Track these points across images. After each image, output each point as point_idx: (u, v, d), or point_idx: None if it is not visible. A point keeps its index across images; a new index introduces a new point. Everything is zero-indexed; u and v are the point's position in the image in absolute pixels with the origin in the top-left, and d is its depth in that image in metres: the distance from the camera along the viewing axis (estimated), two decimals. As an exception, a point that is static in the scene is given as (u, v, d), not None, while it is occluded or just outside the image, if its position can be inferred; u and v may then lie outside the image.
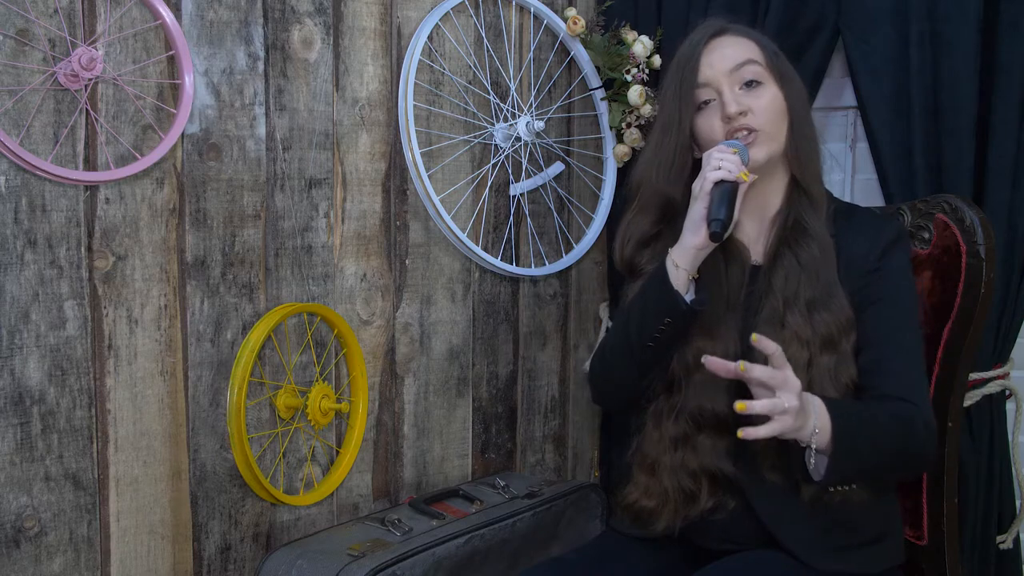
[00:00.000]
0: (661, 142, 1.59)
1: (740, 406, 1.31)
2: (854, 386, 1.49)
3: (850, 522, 1.51)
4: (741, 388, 1.51)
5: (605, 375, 1.65)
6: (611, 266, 2.26)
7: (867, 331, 1.50)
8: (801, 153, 1.55)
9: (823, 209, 1.55)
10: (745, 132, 1.52)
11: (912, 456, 1.46)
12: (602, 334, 2.24)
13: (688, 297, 1.50)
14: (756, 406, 1.30)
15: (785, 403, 1.31)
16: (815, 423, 1.37)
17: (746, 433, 1.31)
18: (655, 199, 1.59)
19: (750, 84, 1.53)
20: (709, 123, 1.55)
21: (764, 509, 1.51)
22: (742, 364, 1.32)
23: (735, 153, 1.47)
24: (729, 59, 1.53)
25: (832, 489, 1.45)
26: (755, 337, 1.34)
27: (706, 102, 1.55)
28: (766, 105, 1.52)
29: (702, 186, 1.47)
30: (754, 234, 1.59)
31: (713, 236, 1.45)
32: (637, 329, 1.54)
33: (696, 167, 1.55)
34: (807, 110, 1.58)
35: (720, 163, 1.46)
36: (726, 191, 1.45)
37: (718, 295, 1.54)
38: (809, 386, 1.45)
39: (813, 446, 1.38)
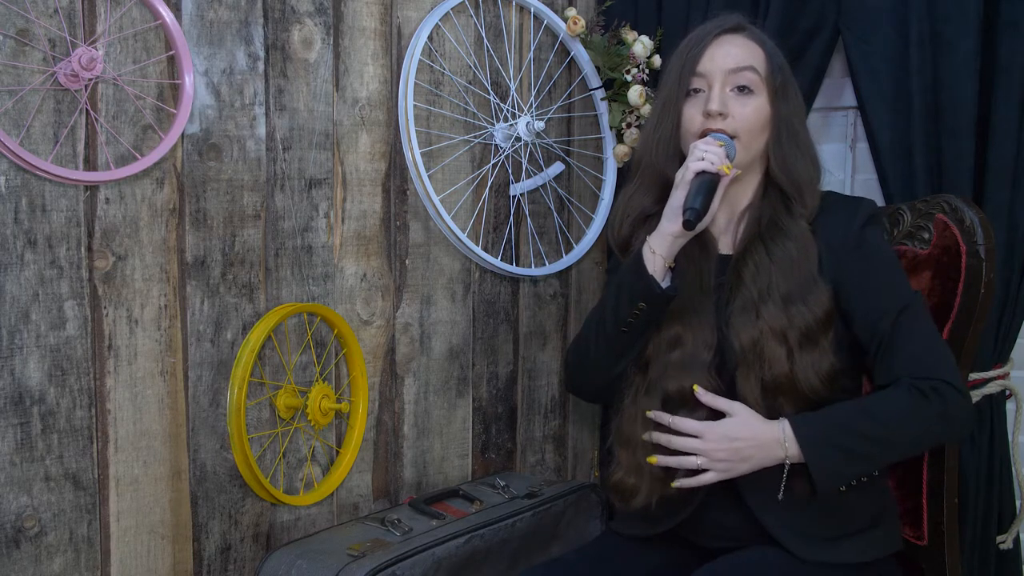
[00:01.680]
0: (660, 121, 1.62)
1: (651, 460, 1.52)
2: (831, 378, 1.51)
3: (841, 512, 1.52)
4: (721, 368, 1.53)
5: (579, 360, 1.68)
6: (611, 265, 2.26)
7: (868, 299, 1.52)
8: (791, 163, 1.57)
9: (806, 213, 1.56)
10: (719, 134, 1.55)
11: (935, 428, 1.49)
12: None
13: (664, 284, 1.52)
14: (664, 461, 1.52)
15: (696, 461, 1.48)
16: (782, 449, 1.46)
17: (679, 483, 1.50)
18: (654, 177, 1.62)
19: (742, 89, 1.55)
20: (691, 112, 1.57)
21: (751, 495, 1.53)
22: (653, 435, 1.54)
23: (721, 146, 1.49)
24: (732, 59, 1.55)
25: (844, 488, 1.50)
26: (696, 388, 1.51)
27: (696, 90, 1.57)
28: (748, 114, 1.55)
29: (683, 175, 1.49)
30: (723, 225, 1.62)
31: (686, 224, 1.48)
32: (612, 313, 1.56)
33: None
34: (802, 126, 1.60)
35: (704, 154, 1.48)
36: (706, 182, 1.48)
37: (693, 282, 1.56)
38: (792, 379, 1.48)
39: (786, 466, 1.47)
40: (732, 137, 1.54)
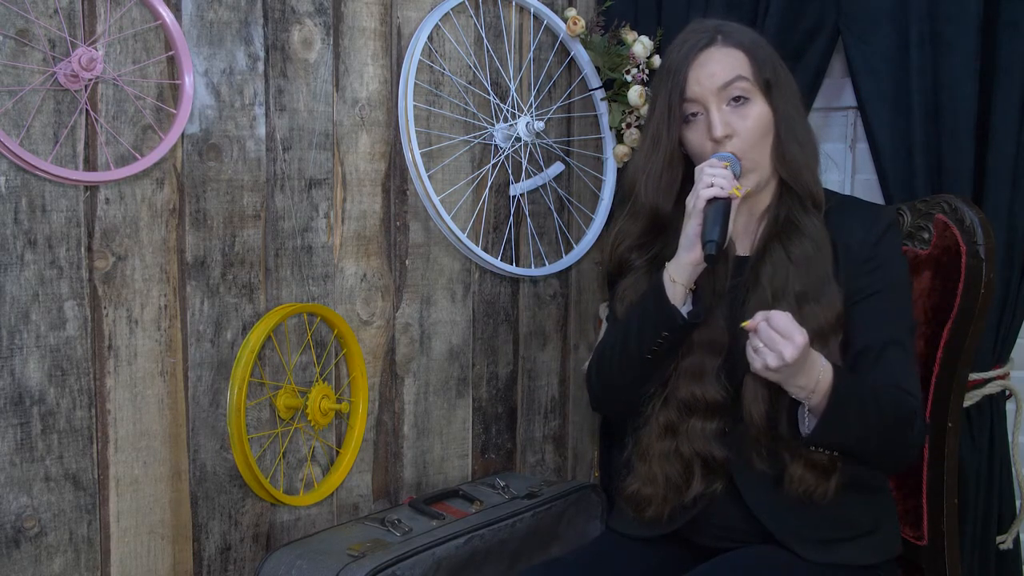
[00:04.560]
0: (651, 153, 1.60)
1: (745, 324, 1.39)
2: None
3: (841, 515, 1.52)
4: (731, 374, 1.53)
5: (605, 383, 1.66)
6: (611, 266, 2.26)
7: (865, 320, 1.52)
8: (790, 158, 1.56)
9: (820, 208, 1.56)
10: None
11: (901, 446, 1.48)
12: (601, 335, 2.24)
13: (686, 308, 1.51)
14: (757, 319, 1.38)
15: (783, 351, 1.35)
16: (815, 382, 1.40)
17: (748, 324, 1.38)
18: (645, 210, 1.61)
19: (737, 99, 1.54)
20: (699, 139, 1.56)
21: (752, 496, 1.53)
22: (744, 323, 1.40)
23: (727, 167, 1.48)
24: (718, 77, 1.53)
25: (813, 448, 1.46)
26: (744, 324, 1.40)
27: (693, 114, 1.56)
28: (751, 126, 1.53)
29: (695, 204, 1.48)
30: (741, 228, 1.61)
31: (708, 259, 1.47)
32: (636, 343, 1.55)
33: (686, 179, 1.56)
34: (799, 113, 1.59)
35: (712, 179, 1.47)
36: (719, 208, 1.46)
37: (705, 285, 1.55)
38: None
39: (807, 404, 1.42)
40: (742, 159, 1.53)
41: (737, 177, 1.50)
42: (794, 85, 1.60)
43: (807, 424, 1.44)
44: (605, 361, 1.64)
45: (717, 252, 1.45)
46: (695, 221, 1.48)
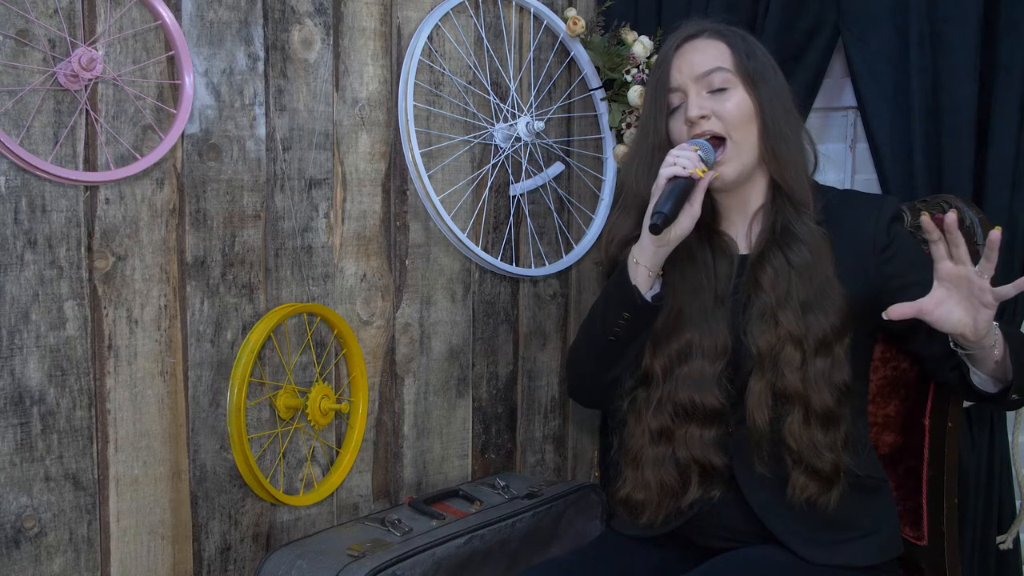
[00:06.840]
0: (640, 144, 1.62)
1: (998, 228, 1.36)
2: (842, 390, 1.49)
3: (842, 516, 1.52)
4: (732, 378, 1.52)
5: (574, 368, 1.68)
6: (611, 266, 2.26)
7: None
8: (778, 154, 1.55)
9: (810, 209, 1.55)
10: (710, 137, 1.53)
11: None
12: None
13: (652, 292, 1.51)
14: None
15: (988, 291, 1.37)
16: (994, 332, 1.41)
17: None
18: (634, 200, 1.62)
19: (719, 90, 1.54)
20: (680, 128, 1.57)
21: (755, 498, 1.52)
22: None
23: (696, 151, 1.48)
24: (697, 65, 1.54)
25: (1014, 398, 1.47)
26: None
27: (679, 107, 1.57)
28: (730, 109, 1.53)
29: (656, 183, 1.48)
30: (740, 227, 1.61)
31: (652, 228, 1.45)
32: (600, 324, 1.57)
33: None
34: (785, 110, 1.57)
35: (676, 159, 1.47)
36: (678, 187, 1.46)
37: (706, 288, 1.55)
38: (803, 387, 1.47)
39: (997, 349, 1.42)
40: (723, 138, 1.53)
41: (709, 165, 1.49)
42: (785, 87, 1.60)
43: (988, 380, 1.45)
44: (577, 345, 1.66)
45: (663, 224, 1.44)
46: (653, 200, 1.48)
